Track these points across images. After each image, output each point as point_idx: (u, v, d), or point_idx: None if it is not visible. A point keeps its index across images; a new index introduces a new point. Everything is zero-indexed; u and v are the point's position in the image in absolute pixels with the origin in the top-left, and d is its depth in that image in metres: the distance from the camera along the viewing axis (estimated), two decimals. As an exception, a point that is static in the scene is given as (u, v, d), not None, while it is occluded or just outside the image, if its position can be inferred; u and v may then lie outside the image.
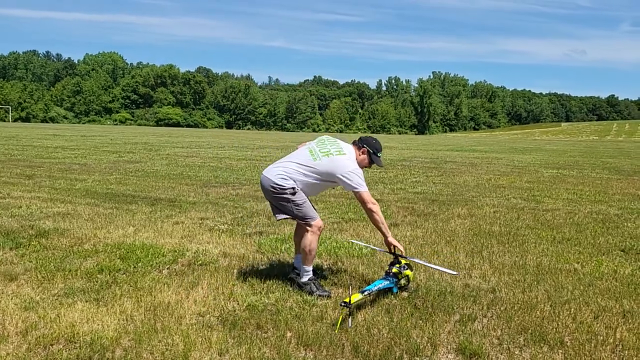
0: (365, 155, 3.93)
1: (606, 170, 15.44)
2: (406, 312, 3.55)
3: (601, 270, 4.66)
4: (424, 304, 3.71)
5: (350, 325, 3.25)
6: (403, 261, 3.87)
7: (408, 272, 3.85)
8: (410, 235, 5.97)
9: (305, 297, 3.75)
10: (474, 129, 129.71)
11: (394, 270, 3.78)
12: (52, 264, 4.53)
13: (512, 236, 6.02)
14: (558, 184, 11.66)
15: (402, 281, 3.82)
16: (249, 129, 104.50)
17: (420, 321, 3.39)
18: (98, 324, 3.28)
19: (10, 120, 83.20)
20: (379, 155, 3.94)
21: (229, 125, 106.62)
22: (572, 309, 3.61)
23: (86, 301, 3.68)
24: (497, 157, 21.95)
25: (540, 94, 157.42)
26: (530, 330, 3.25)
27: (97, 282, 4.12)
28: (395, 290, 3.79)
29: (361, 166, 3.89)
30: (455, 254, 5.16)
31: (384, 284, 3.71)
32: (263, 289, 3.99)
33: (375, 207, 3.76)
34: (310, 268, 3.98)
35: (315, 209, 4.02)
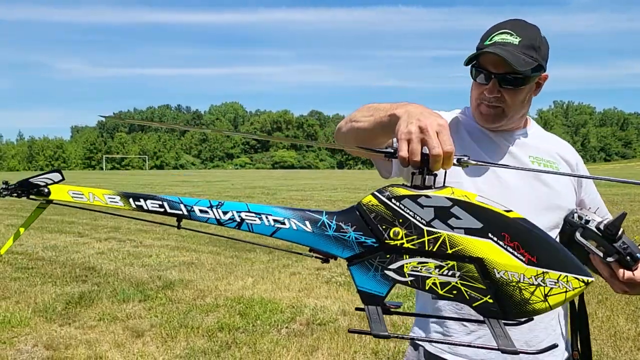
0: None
1: None
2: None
3: None
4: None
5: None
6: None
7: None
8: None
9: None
10: (605, 160, 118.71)
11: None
12: (176, 320, 4.56)
13: (682, 295, 5.03)
14: None
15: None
16: (359, 168, 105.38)
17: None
18: (217, 393, 3.14)
19: (147, 168, 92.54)
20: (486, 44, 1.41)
21: (340, 166, 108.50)
22: None
23: (206, 364, 3.58)
24: (640, 192, 19.46)
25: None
26: None
27: (217, 341, 4.04)
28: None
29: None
30: (613, 317, 4.38)
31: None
32: (388, 358, 3.62)
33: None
34: None
35: None
